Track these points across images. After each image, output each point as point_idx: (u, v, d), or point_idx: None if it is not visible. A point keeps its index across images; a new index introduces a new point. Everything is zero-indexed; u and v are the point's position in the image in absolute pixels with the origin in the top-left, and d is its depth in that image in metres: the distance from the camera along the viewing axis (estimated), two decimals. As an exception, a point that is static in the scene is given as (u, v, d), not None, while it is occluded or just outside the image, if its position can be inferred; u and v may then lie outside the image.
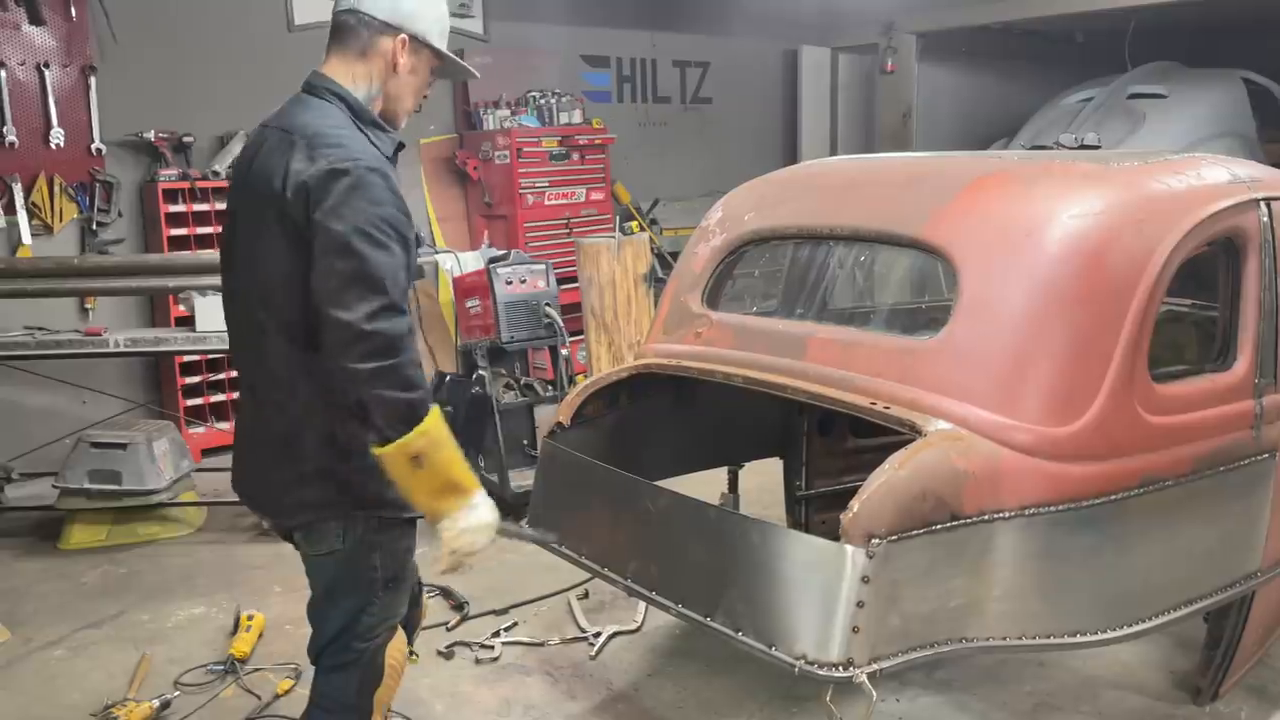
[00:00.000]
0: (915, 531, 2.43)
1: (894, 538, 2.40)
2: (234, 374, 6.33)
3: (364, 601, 2.37)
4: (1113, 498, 2.66)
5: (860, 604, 2.38)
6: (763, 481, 4.30)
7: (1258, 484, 3.02)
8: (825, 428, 4.21)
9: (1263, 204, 3.00)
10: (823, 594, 2.43)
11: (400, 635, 2.60)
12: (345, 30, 2.32)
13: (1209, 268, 3.14)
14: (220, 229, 2.48)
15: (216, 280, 4.98)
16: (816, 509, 4.26)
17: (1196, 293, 3.68)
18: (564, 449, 3.25)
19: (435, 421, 2.13)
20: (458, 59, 2.48)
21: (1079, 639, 2.69)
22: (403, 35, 2.32)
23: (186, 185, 6.26)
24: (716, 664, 3.63)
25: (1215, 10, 8.88)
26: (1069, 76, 9.92)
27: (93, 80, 6.09)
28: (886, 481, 2.44)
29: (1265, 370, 3.00)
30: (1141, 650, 3.59)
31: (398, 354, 2.08)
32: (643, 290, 6.41)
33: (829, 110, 10.28)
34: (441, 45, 2.40)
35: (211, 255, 5.99)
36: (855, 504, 2.42)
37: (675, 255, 8.40)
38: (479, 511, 2.21)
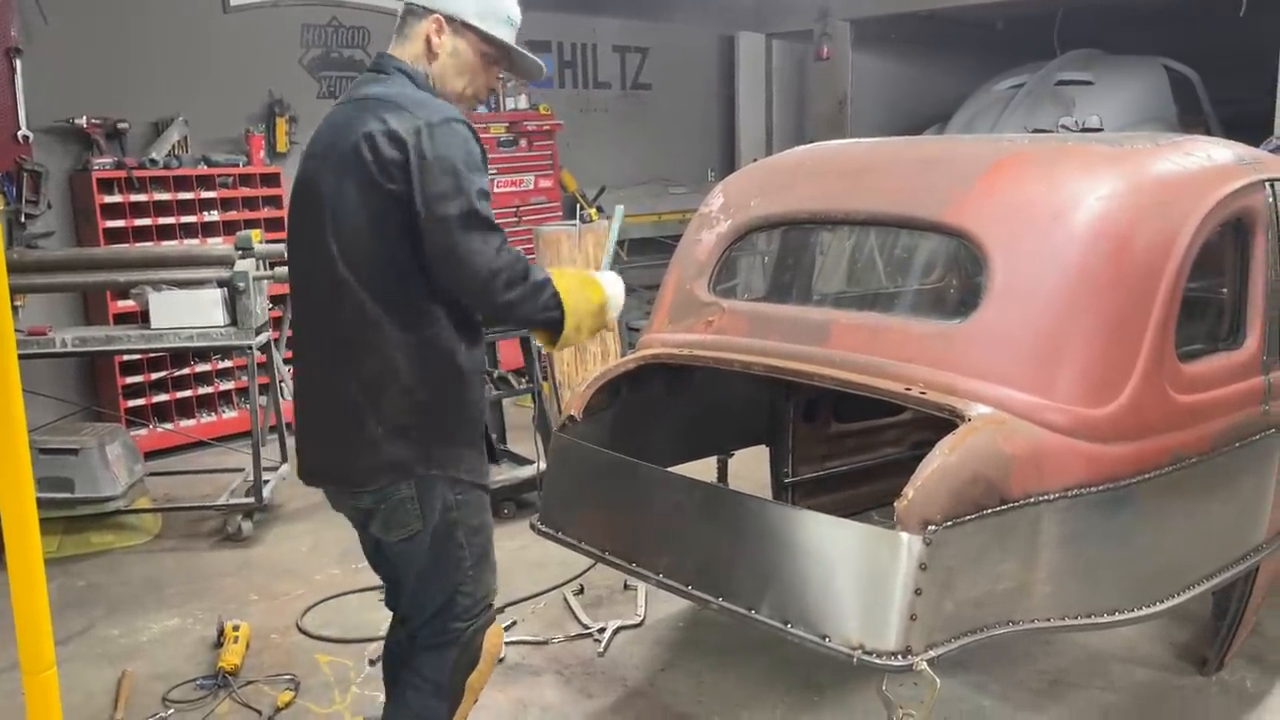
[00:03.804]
0: (968, 516, 2.42)
1: (949, 524, 2.39)
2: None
3: (456, 582, 2.42)
4: (1146, 476, 2.69)
5: (918, 591, 2.37)
6: (733, 469, 4.24)
7: (1265, 459, 3.09)
8: (810, 413, 4.20)
9: (1267, 184, 3.08)
10: (879, 583, 2.40)
11: (498, 624, 2.63)
12: (401, 15, 2.42)
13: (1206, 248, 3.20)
14: (289, 201, 2.49)
15: (171, 274, 4.86)
16: (801, 495, 4.26)
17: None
18: (581, 443, 3.16)
19: (572, 299, 2.39)
20: (511, 44, 2.45)
21: (1117, 617, 2.72)
22: (436, 15, 2.37)
23: (123, 174, 5.93)
24: (729, 655, 3.59)
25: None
26: (993, 64, 10.11)
27: (18, 63, 5.73)
28: (940, 467, 2.43)
29: (1271, 348, 3.08)
30: (1141, 624, 3.65)
31: (529, 274, 2.28)
32: (604, 279, 6.32)
33: (765, 97, 10.31)
34: (486, 27, 2.39)
35: (155, 248, 5.72)
36: (910, 491, 2.40)
37: (620, 244, 8.33)
38: (610, 284, 2.56)
